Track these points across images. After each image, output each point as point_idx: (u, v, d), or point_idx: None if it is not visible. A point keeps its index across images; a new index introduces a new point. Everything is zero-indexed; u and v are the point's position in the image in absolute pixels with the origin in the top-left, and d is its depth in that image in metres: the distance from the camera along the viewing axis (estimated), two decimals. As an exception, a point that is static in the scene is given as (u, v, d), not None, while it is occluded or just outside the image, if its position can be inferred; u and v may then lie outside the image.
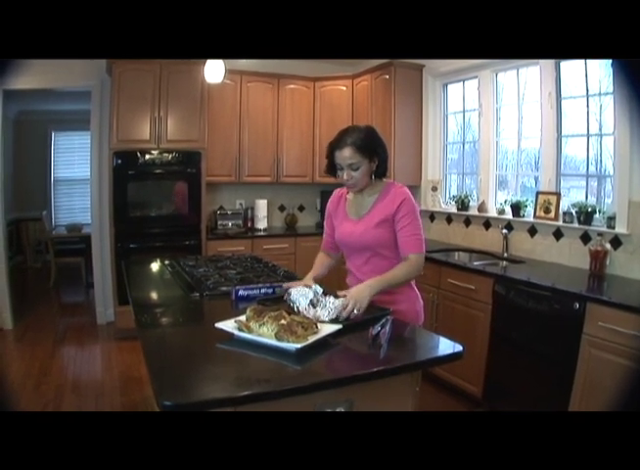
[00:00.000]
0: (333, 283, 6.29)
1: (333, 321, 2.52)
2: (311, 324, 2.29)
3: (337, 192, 3.34)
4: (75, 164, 11.41)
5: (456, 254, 5.71)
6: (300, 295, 2.70)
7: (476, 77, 5.92)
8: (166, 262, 4.16)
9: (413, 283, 3.15)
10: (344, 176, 2.96)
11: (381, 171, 3.05)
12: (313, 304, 2.65)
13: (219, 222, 7.17)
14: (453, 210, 6.17)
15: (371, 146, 2.96)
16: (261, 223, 7.41)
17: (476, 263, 4.99)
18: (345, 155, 2.91)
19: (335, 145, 2.97)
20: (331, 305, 2.60)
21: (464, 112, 6.34)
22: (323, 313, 2.57)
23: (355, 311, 2.60)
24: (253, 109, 7.09)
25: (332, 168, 3.07)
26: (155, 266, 4.22)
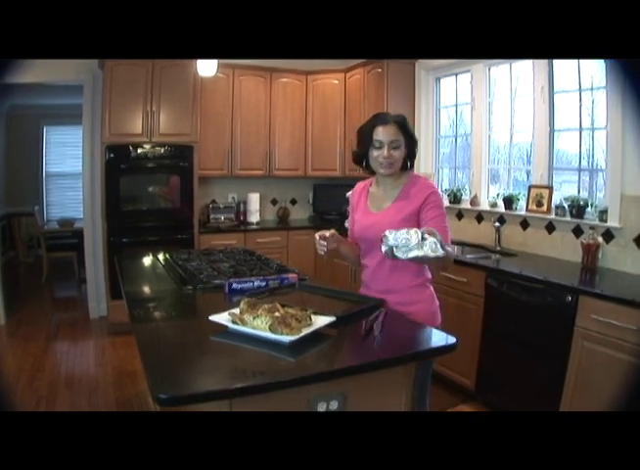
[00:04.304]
0: (325, 277, 6.30)
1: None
2: (305, 316, 2.29)
3: (359, 185, 3.22)
4: (67, 158, 11.38)
5: (449, 247, 5.70)
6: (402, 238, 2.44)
7: (468, 71, 5.92)
8: (159, 256, 4.16)
9: (429, 281, 3.01)
10: (384, 153, 2.81)
11: (409, 164, 2.98)
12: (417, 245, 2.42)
13: (212, 216, 7.18)
14: (445, 203, 6.15)
15: (409, 130, 2.91)
16: (254, 217, 7.41)
17: (468, 257, 4.99)
18: (390, 131, 2.81)
19: (376, 121, 2.86)
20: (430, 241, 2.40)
21: (456, 105, 6.34)
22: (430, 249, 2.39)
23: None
24: (246, 102, 7.08)
25: (360, 157, 2.97)
26: (147, 260, 4.22)
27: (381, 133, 2.82)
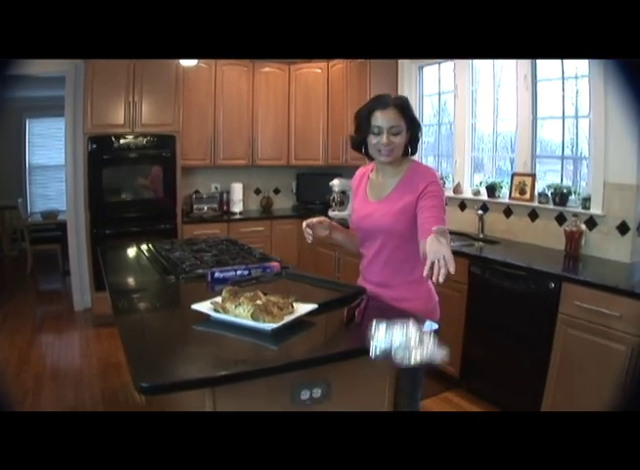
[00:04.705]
0: (308, 266, 6.29)
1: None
2: (287, 304, 2.29)
3: (360, 170, 3.04)
4: (51, 150, 11.30)
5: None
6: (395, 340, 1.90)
7: (451, 60, 5.90)
8: (142, 247, 4.14)
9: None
10: (383, 140, 2.62)
11: (410, 149, 2.81)
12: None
13: (195, 206, 7.16)
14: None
15: (411, 113, 2.73)
16: (237, 207, 7.40)
17: (451, 244, 4.99)
18: (390, 115, 2.62)
19: (374, 105, 2.66)
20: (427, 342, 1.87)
21: (439, 94, 6.34)
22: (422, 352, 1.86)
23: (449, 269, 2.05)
24: (228, 92, 7.05)
25: (359, 143, 2.79)
26: (130, 251, 4.19)
27: (379, 118, 2.63)
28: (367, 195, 2.89)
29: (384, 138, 2.63)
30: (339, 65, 6.92)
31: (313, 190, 7.64)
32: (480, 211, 5.35)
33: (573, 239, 4.35)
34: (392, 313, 2.56)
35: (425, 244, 2.28)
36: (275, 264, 3.30)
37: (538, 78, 4.96)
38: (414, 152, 2.84)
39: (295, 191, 8.08)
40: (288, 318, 2.23)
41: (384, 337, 1.92)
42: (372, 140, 2.68)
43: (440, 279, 2.04)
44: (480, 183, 5.55)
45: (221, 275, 3.08)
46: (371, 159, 2.84)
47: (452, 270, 2.04)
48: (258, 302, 2.26)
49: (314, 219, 2.79)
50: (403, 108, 2.67)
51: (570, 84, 4.75)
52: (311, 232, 2.76)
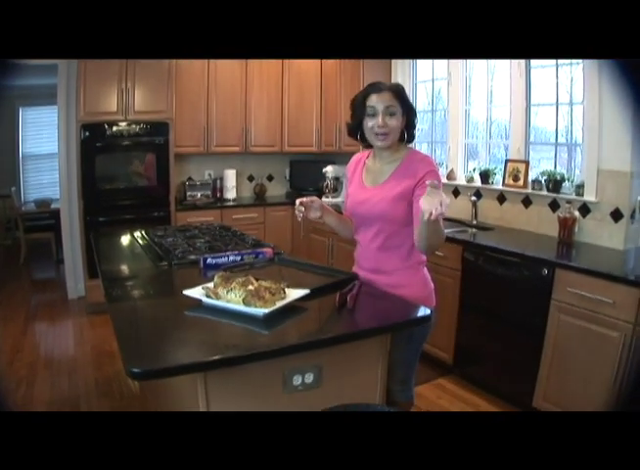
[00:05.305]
0: (302, 253, 6.29)
1: None
2: (279, 289, 2.29)
3: (356, 156, 3.01)
4: (44, 139, 11.23)
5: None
6: None
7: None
8: (135, 234, 4.13)
9: (421, 263, 2.82)
10: (379, 121, 2.60)
11: (407, 136, 2.76)
12: None
13: (188, 193, 7.12)
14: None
15: (406, 98, 2.69)
16: (230, 193, 7.37)
17: (445, 231, 4.99)
18: (385, 98, 2.60)
19: (370, 90, 2.66)
20: None
21: (433, 81, 6.32)
22: None
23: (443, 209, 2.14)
24: (222, 79, 7.00)
25: (354, 129, 2.77)
26: (123, 238, 4.18)
27: (374, 100, 2.63)
28: (363, 181, 2.86)
29: (379, 119, 2.61)
30: (332, 51, 6.87)
31: (307, 177, 7.62)
32: (474, 198, 5.34)
33: (567, 226, 4.36)
34: (385, 299, 2.58)
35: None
36: (268, 250, 3.30)
37: (532, 65, 4.95)
38: (411, 139, 2.80)
39: (288, 178, 8.06)
40: (280, 303, 2.23)
41: None
42: (368, 123, 2.66)
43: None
44: (474, 170, 5.53)
45: (214, 261, 3.08)
46: (367, 146, 2.83)
47: (447, 205, 2.14)
48: (250, 287, 2.26)
49: (307, 198, 2.76)
50: (398, 92, 2.65)
51: (564, 71, 4.74)
52: (303, 210, 2.74)
